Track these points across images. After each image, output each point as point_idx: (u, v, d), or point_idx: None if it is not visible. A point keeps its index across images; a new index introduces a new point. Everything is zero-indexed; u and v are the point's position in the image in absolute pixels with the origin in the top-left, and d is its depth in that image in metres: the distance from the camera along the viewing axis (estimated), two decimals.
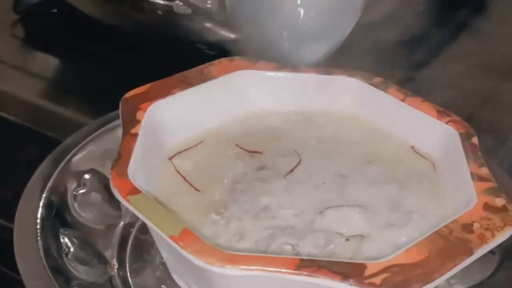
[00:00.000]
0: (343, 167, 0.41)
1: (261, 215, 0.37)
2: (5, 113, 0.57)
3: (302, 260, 0.30)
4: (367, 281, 0.29)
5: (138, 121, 0.39)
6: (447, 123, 0.40)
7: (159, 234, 0.32)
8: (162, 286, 0.40)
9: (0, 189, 0.50)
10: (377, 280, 0.29)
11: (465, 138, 0.39)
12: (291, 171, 0.40)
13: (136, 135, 0.38)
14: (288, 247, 0.34)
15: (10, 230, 0.43)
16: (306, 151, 0.42)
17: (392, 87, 0.43)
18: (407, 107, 0.42)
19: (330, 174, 0.40)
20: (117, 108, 0.43)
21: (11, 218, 0.43)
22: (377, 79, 0.44)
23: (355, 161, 0.41)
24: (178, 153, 0.41)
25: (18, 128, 0.56)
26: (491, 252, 0.34)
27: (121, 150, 0.37)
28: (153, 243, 0.41)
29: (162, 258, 0.41)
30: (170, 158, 0.41)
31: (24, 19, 0.72)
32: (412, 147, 0.42)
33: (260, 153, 0.41)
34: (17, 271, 0.41)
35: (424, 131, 0.41)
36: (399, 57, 0.62)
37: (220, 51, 0.45)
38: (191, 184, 0.39)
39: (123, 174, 0.35)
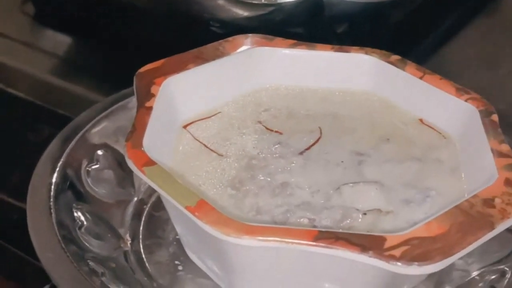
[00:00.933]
0: (360, 145, 0.40)
1: (277, 191, 0.36)
2: (16, 90, 0.57)
3: (320, 232, 0.30)
4: (386, 253, 0.29)
5: (153, 95, 0.39)
6: (466, 100, 0.40)
7: (175, 205, 0.32)
8: (176, 261, 0.40)
9: (11, 167, 0.49)
10: (396, 252, 0.29)
11: (484, 115, 0.38)
12: (308, 148, 0.40)
13: (150, 108, 0.38)
14: (305, 221, 0.34)
15: (22, 210, 0.43)
16: (322, 128, 0.41)
17: (410, 65, 0.42)
18: (425, 84, 0.41)
19: (347, 151, 0.40)
20: (129, 85, 0.43)
21: (22, 197, 0.43)
22: (395, 57, 0.43)
23: (371, 139, 0.41)
24: (193, 122, 0.41)
25: (29, 106, 0.56)
26: (510, 231, 0.33)
27: (136, 123, 0.36)
28: (166, 219, 0.41)
29: (176, 234, 0.41)
30: (185, 127, 0.40)
31: None
32: (429, 124, 0.41)
33: (281, 133, 0.41)
34: (29, 253, 0.41)
35: (443, 108, 0.41)
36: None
37: (233, 29, 0.45)
38: (212, 150, 0.39)
39: (138, 145, 0.34)
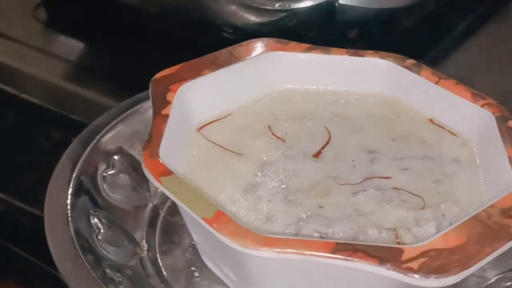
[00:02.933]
0: (371, 144, 0.40)
1: (290, 197, 0.36)
2: (29, 95, 0.57)
3: (338, 243, 0.30)
4: (404, 265, 0.29)
5: (169, 102, 0.39)
6: (482, 106, 0.40)
7: (192, 216, 0.32)
8: (192, 268, 0.40)
9: (24, 172, 0.50)
10: (414, 264, 0.29)
11: (501, 121, 0.38)
12: (319, 151, 0.40)
13: (166, 116, 0.38)
14: (316, 235, 0.34)
15: (33, 215, 0.43)
16: (335, 130, 0.42)
17: (425, 69, 0.42)
18: (441, 89, 0.41)
19: (359, 152, 0.40)
20: (142, 91, 0.43)
21: (33, 202, 0.43)
22: (410, 61, 0.43)
23: (383, 138, 0.41)
24: (207, 124, 0.41)
25: (42, 111, 0.56)
26: None
27: (152, 131, 0.36)
28: (182, 225, 0.41)
29: (191, 240, 0.41)
30: (199, 130, 0.41)
31: (46, 2, 0.72)
32: (444, 127, 0.41)
33: (284, 141, 0.41)
34: (39, 258, 0.42)
35: (459, 114, 0.41)
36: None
37: (247, 34, 0.45)
38: (229, 150, 0.39)
39: (155, 155, 0.35)
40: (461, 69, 0.60)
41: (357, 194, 0.36)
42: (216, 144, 0.40)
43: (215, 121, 0.42)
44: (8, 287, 0.44)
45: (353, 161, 0.39)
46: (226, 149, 0.39)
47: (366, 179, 0.38)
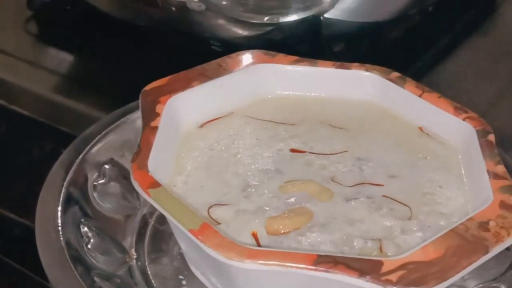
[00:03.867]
0: (361, 152, 0.41)
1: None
2: (20, 107, 0.58)
3: (319, 256, 0.31)
4: (383, 278, 0.30)
5: (158, 114, 0.40)
6: (464, 119, 0.40)
7: (179, 227, 0.33)
8: (180, 276, 0.41)
9: (14, 183, 0.50)
10: (393, 277, 0.30)
11: (481, 135, 0.39)
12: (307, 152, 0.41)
13: (156, 128, 0.38)
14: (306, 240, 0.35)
15: (24, 226, 0.44)
16: (322, 136, 0.42)
17: (409, 82, 0.43)
18: (424, 102, 0.42)
19: (348, 158, 0.41)
20: (132, 102, 0.43)
21: (23, 213, 0.44)
22: (394, 74, 0.44)
23: (374, 148, 0.42)
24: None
25: (32, 123, 0.57)
26: (507, 248, 0.34)
27: (141, 143, 0.37)
28: (171, 233, 0.42)
29: (180, 248, 0.42)
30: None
31: (37, 15, 0.73)
32: (433, 137, 0.42)
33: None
34: (30, 269, 0.42)
35: (441, 127, 0.42)
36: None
37: (235, 48, 0.46)
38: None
39: (144, 167, 0.35)
40: (445, 81, 0.61)
41: (349, 202, 0.37)
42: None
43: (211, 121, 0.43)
44: None
45: (345, 167, 0.40)
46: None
47: (358, 184, 0.39)
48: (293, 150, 0.41)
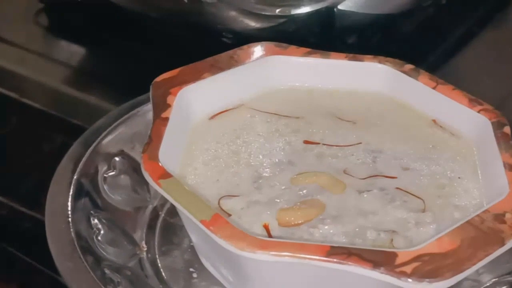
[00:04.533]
0: (374, 143, 0.41)
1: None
2: (31, 100, 0.58)
3: (332, 247, 0.30)
4: (398, 269, 0.29)
5: (169, 105, 0.39)
6: (479, 111, 0.40)
7: (190, 218, 0.32)
8: (191, 269, 0.40)
9: (24, 176, 0.50)
10: (408, 268, 0.29)
11: (497, 127, 0.39)
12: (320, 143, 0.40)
13: (166, 119, 0.38)
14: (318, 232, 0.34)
15: (34, 219, 0.44)
16: (335, 128, 0.42)
17: (423, 74, 0.43)
18: (438, 94, 0.42)
19: (361, 150, 0.40)
20: (142, 94, 0.43)
21: (34, 206, 0.43)
22: (408, 66, 0.44)
23: (387, 139, 0.41)
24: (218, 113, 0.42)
25: (43, 115, 0.57)
26: None
27: (152, 134, 0.37)
28: (181, 226, 0.42)
29: (190, 241, 0.41)
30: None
31: (48, 8, 0.73)
32: (447, 129, 0.42)
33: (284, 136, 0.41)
34: (41, 262, 0.42)
35: (456, 119, 0.41)
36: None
37: (246, 40, 0.45)
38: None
39: (154, 158, 0.35)
40: (459, 74, 0.60)
41: (362, 194, 0.37)
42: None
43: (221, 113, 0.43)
44: None
45: (358, 159, 0.39)
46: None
47: (371, 176, 0.38)
48: (306, 142, 0.41)
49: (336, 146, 0.40)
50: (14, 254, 0.45)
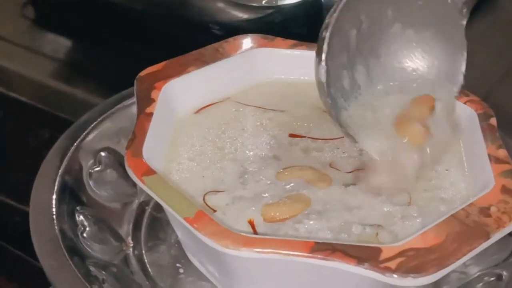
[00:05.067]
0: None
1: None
2: (17, 93, 0.58)
3: (317, 243, 0.30)
4: (382, 265, 0.29)
5: (153, 100, 0.39)
6: (465, 103, 0.40)
7: (174, 215, 0.32)
8: (177, 264, 0.40)
9: (12, 169, 0.50)
10: (392, 264, 0.29)
11: (483, 118, 0.38)
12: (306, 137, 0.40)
13: (151, 114, 0.38)
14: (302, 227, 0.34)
15: (22, 212, 0.43)
16: (320, 123, 0.42)
17: None
18: None
19: (347, 145, 0.40)
20: (128, 87, 0.43)
21: (23, 200, 0.43)
22: None
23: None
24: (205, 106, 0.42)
25: (30, 109, 0.56)
26: (509, 234, 0.34)
27: (136, 130, 0.37)
28: (168, 221, 0.42)
29: (177, 236, 0.41)
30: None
31: (34, 0, 0.72)
32: None
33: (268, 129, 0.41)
34: (30, 254, 0.42)
35: None
36: None
37: (233, 31, 0.45)
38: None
39: (138, 154, 0.35)
40: None
41: (347, 188, 0.37)
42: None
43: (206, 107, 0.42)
44: (0, 284, 0.44)
45: (344, 153, 0.39)
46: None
47: (357, 170, 0.38)
48: (292, 135, 0.41)
49: (322, 139, 0.40)
50: (2, 247, 0.45)
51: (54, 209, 0.39)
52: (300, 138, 0.40)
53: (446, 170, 0.38)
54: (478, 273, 0.39)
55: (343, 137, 0.40)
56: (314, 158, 0.39)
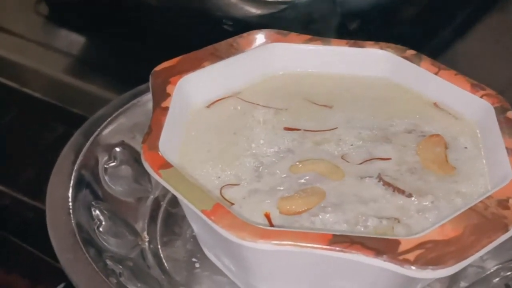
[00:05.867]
0: (375, 124, 0.41)
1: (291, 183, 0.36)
2: (31, 89, 0.58)
3: (335, 235, 0.30)
4: (401, 257, 0.29)
5: (168, 95, 0.39)
6: (481, 96, 0.40)
7: (191, 208, 0.32)
8: (193, 259, 0.40)
9: (26, 166, 0.50)
10: (411, 256, 0.29)
11: (500, 112, 0.38)
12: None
13: (166, 108, 0.38)
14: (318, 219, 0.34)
15: (37, 209, 0.43)
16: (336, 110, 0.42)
17: (425, 60, 0.42)
18: (441, 80, 0.41)
19: (364, 130, 0.40)
20: (143, 83, 0.43)
21: (36, 196, 0.43)
22: (410, 52, 0.43)
23: (390, 123, 0.41)
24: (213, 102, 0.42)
25: (44, 105, 0.56)
26: None
27: (152, 124, 0.37)
28: (183, 216, 0.42)
29: (192, 231, 0.41)
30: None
31: None
32: (450, 113, 0.41)
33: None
34: (44, 251, 0.42)
35: (458, 103, 0.41)
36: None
37: (247, 27, 0.45)
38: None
39: (154, 148, 0.35)
40: (461, 59, 0.60)
41: (363, 180, 0.36)
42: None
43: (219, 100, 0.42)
44: (13, 280, 0.44)
45: (360, 141, 0.39)
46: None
47: (366, 160, 0.38)
48: (287, 128, 0.40)
49: (326, 130, 0.40)
50: (16, 244, 0.45)
51: (70, 204, 0.39)
52: (312, 132, 0.40)
53: (458, 163, 0.38)
54: (495, 268, 0.39)
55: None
56: (326, 150, 0.39)
